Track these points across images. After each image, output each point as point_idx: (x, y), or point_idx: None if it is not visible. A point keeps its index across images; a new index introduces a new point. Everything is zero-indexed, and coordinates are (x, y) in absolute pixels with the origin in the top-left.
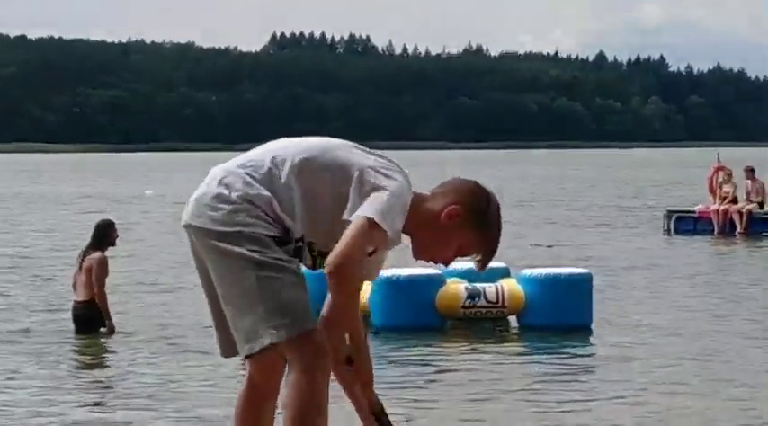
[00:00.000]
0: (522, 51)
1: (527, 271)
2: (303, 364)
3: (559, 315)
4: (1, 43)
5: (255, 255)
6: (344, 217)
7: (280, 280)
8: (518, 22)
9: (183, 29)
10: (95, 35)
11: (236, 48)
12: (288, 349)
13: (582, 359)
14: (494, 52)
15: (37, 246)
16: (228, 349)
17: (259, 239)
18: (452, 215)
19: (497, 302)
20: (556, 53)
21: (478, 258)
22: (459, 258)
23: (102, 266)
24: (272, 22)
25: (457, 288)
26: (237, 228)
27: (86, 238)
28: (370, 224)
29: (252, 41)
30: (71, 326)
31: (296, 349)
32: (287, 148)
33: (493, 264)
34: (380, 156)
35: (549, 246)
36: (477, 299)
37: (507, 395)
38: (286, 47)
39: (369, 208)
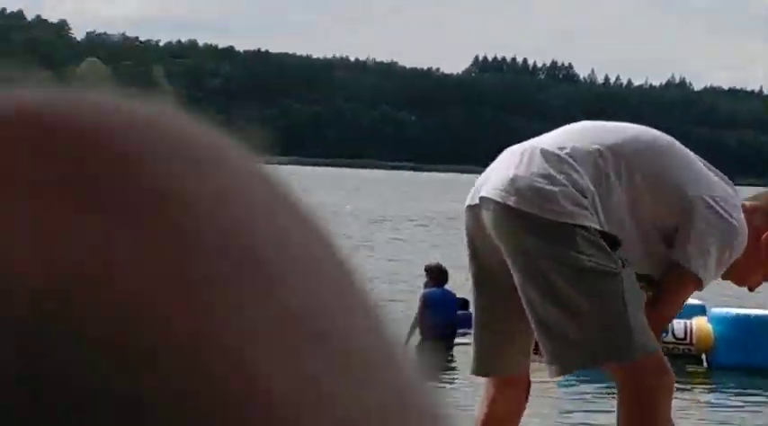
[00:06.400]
0: (726, 86)
1: (717, 310)
2: (643, 384)
3: (748, 357)
4: (209, 54)
5: (590, 261)
6: (674, 256)
7: (616, 292)
8: (723, 58)
9: (387, 48)
10: (301, 50)
11: (438, 69)
12: (623, 372)
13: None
14: (697, 87)
15: None
16: (489, 365)
17: (594, 242)
18: None
19: (685, 339)
20: (760, 90)
21: None
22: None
23: None
24: (474, 45)
25: None
26: (570, 221)
27: None
28: (696, 282)
29: (454, 64)
30: None
31: (634, 371)
32: (614, 143)
33: (691, 301)
34: (717, 176)
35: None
36: (664, 334)
37: None
38: (488, 70)
39: (699, 262)
